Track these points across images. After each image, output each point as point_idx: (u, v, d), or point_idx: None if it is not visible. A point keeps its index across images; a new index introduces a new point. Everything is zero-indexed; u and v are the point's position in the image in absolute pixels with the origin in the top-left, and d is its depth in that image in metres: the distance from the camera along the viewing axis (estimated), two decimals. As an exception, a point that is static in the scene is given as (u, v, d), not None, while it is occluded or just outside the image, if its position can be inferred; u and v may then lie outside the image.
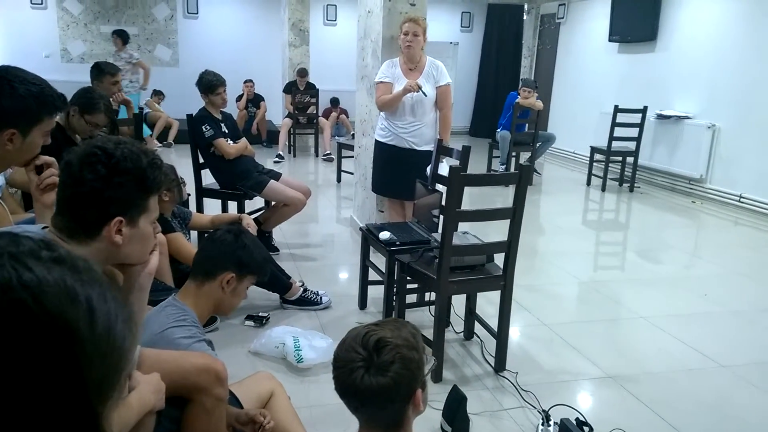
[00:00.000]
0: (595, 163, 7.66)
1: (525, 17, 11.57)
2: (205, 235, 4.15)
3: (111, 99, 4.30)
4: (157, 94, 10.04)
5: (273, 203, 4.59)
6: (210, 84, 4.30)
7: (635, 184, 7.46)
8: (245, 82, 9.76)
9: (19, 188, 3.09)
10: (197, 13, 11.02)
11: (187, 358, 1.73)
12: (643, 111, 7.24)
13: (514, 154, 7.68)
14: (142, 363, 1.57)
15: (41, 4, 10.34)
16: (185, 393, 1.68)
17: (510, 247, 2.83)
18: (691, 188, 7.28)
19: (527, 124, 7.55)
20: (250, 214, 4.07)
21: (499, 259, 2.93)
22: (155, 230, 1.47)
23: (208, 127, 4.26)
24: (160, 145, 9.14)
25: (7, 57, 9.85)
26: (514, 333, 3.37)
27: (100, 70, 4.39)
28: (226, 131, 4.42)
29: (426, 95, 4.00)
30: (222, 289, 1.99)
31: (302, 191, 4.47)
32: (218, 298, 2.01)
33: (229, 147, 4.31)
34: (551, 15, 10.61)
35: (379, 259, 3.49)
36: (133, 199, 1.36)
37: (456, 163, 3.35)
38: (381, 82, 4.13)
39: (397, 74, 4.10)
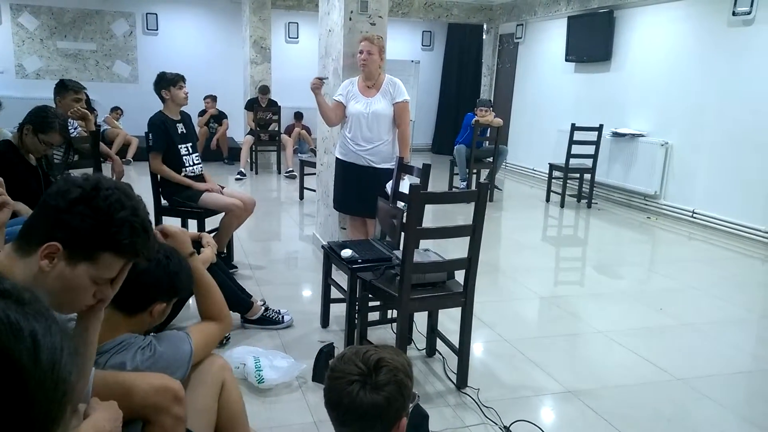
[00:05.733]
0: (553, 180, 7.81)
1: (484, 37, 11.77)
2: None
3: (69, 113, 4.22)
4: (116, 110, 9.89)
5: (221, 222, 4.53)
6: (172, 78, 4.25)
7: (593, 201, 7.62)
8: (205, 98, 9.76)
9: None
10: (157, 30, 10.91)
11: (144, 378, 1.70)
12: (599, 129, 7.40)
13: (474, 171, 7.79)
14: (97, 386, 1.54)
15: (-5, 19, 10.12)
16: (143, 415, 1.65)
17: (470, 263, 2.86)
18: (646, 204, 7.46)
19: (487, 141, 7.70)
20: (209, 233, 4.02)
21: (460, 275, 2.96)
22: (96, 295, 1.32)
23: (152, 137, 4.24)
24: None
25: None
26: (476, 349, 3.39)
27: (63, 86, 4.31)
28: (184, 131, 4.36)
29: (321, 78, 4.18)
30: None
31: (242, 199, 4.43)
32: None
33: (159, 165, 4.27)
34: (510, 35, 10.82)
35: (341, 277, 3.49)
36: (83, 238, 1.25)
37: (417, 180, 3.37)
38: (334, 99, 4.18)
39: (354, 92, 4.14)
